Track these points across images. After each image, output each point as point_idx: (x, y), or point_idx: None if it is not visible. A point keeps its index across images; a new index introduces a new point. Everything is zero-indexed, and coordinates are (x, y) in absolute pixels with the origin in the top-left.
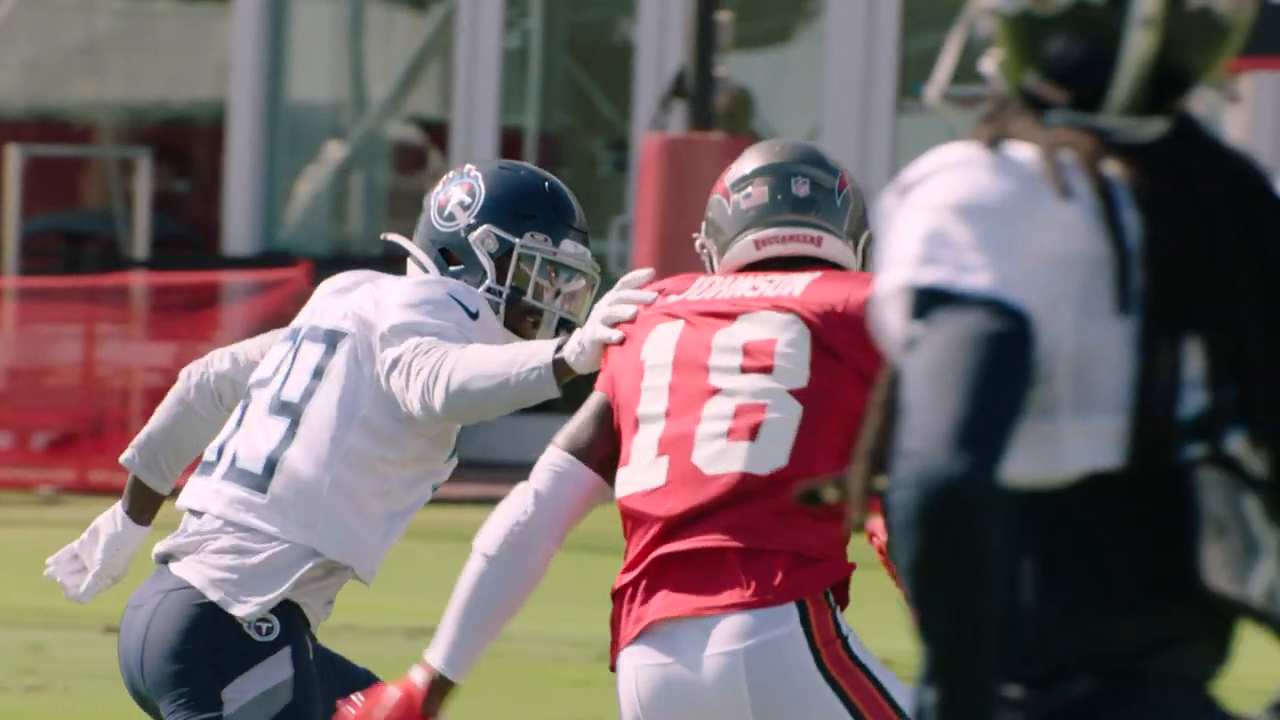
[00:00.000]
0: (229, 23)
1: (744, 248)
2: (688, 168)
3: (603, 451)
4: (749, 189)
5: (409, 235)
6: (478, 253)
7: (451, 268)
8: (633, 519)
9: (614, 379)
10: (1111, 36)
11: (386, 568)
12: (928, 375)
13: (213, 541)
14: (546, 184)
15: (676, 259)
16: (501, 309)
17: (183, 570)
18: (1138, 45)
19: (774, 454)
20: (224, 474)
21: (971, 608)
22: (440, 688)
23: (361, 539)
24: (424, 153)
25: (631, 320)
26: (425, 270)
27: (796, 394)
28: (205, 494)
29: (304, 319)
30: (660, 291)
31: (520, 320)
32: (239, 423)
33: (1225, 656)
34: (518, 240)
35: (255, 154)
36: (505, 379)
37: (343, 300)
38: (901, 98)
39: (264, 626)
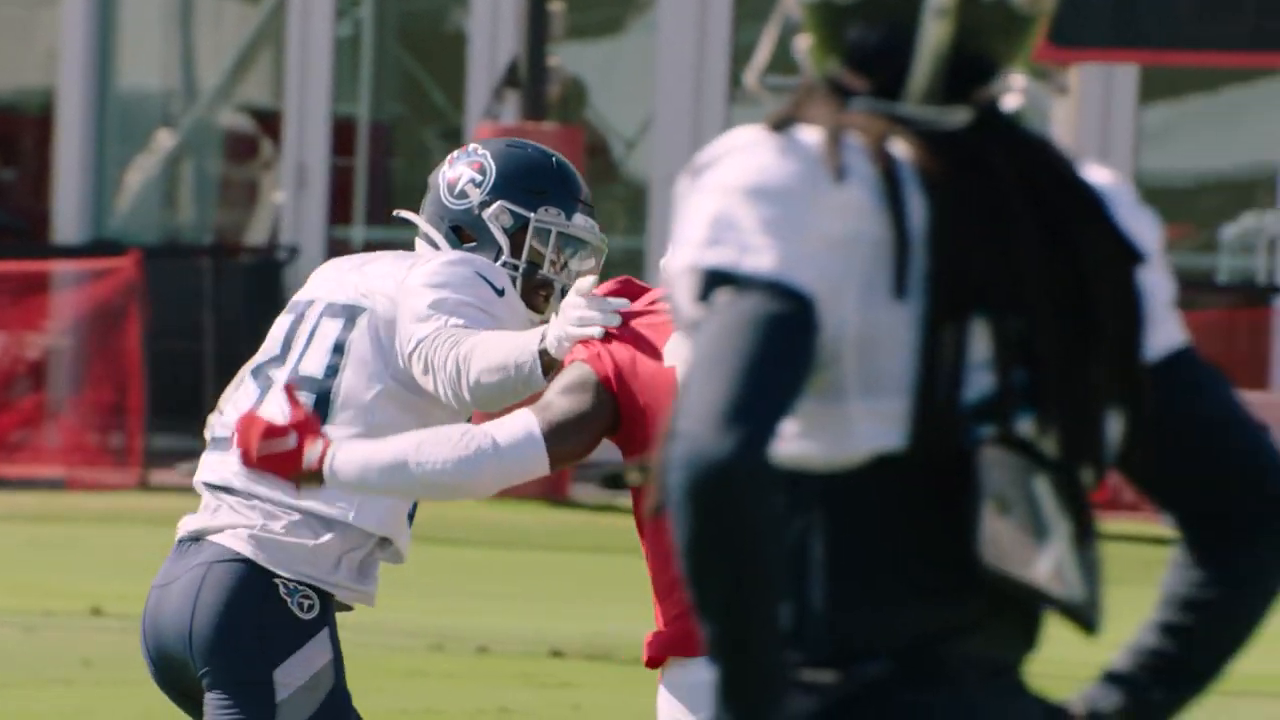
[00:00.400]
0: (57, 9)
1: None
2: None
3: (573, 455)
4: None
5: (240, 225)
6: (492, 228)
7: (464, 245)
8: None
9: (626, 382)
10: (908, 25)
11: None
12: (704, 356)
13: (249, 514)
14: (554, 160)
15: None
16: (519, 283)
17: (224, 539)
18: (933, 34)
19: None
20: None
21: (743, 586)
22: (317, 476)
23: (394, 511)
24: (255, 141)
25: (610, 326)
26: (437, 248)
27: None
28: (226, 470)
29: (312, 294)
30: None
31: (534, 294)
32: (259, 399)
33: (1031, 641)
34: (532, 215)
35: (84, 142)
36: (508, 371)
37: (362, 275)
38: (734, 87)
39: (306, 603)
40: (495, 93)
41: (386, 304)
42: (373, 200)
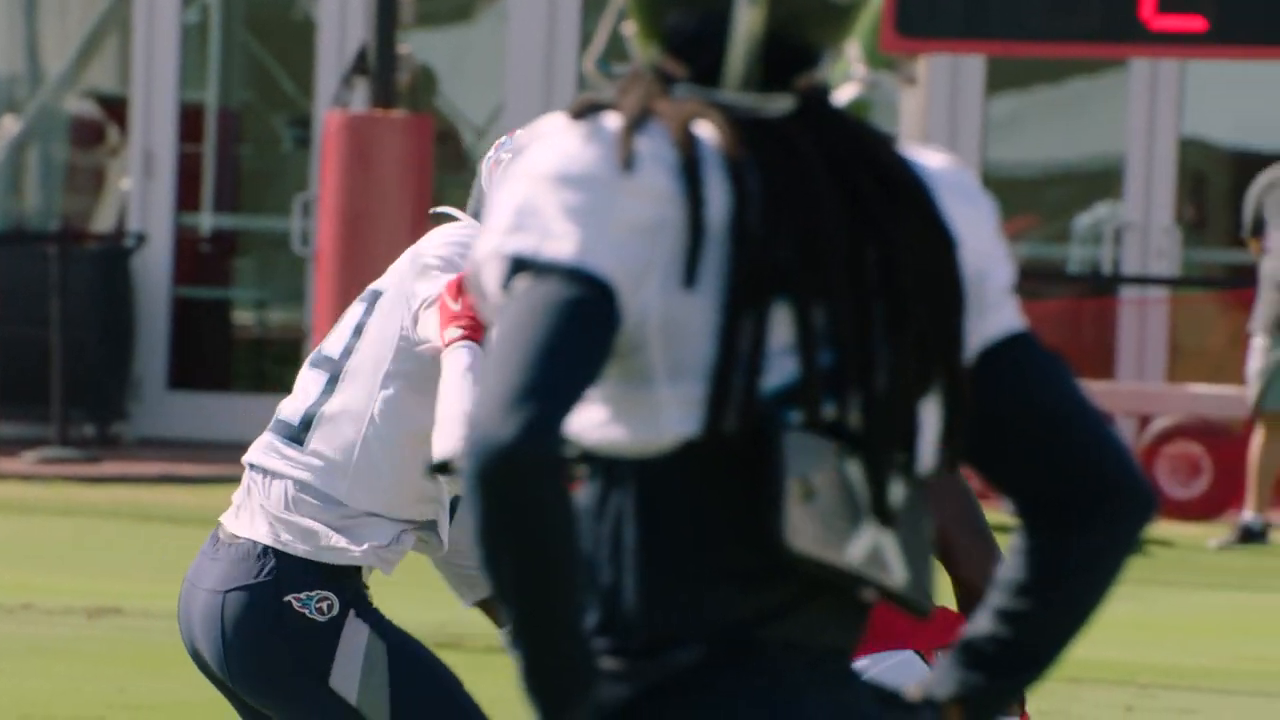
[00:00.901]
0: None
1: None
2: (370, 145)
3: None
4: None
5: (87, 212)
6: None
7: None
8: None
9: None
10: (722, 11)
11: (64, 548)
12: (499, 343)
13: (275, 492)
14: None
15: (359, 235)
16: None
17: (244, 529)
18: (745, 20)
19: None
20: (271, 427)
21: (536, 571)
22: None
23: (399, 491)
24: (102, 128)
25: None
26: None
27: None
28: (257, 449)
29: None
30: None
31: None
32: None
33: (857, 627)
34: None
35: None
36: None
37: (399, 259)
38: (589, 76)
39: (323, 605)
40: (344, 80)
41: (398, 279)
42: (221, 187)
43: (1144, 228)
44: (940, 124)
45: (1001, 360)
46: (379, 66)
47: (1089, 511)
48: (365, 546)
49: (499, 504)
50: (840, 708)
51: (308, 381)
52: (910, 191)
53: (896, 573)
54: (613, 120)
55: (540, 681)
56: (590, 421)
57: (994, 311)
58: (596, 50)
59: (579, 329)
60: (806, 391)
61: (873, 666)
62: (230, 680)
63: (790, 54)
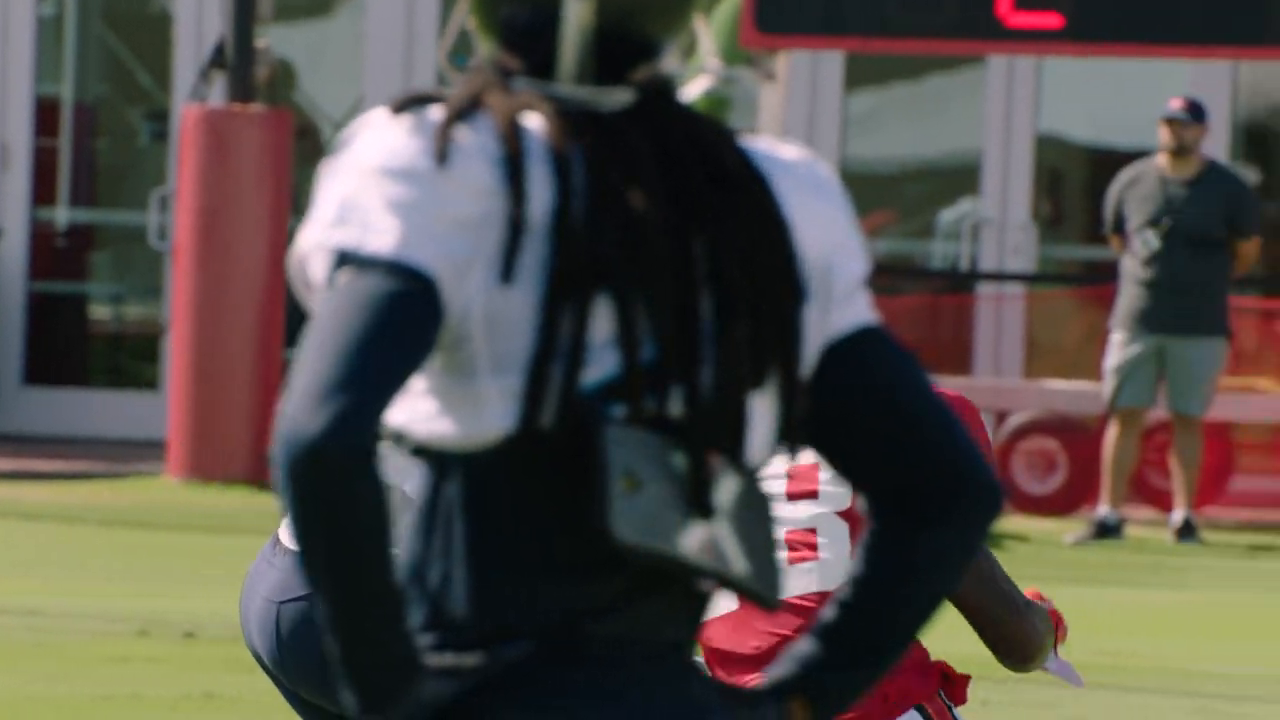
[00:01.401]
0: None
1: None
2: (228, 139)
3: None
4: None
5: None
6: None
7: None
8: (717, 657)
9: None
10: (554, 4)
11: None
12: (314, 335)
13: None
14: None
15: (216, 230)
16: None
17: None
18: (575, 13)
19: (838, 570)
20: None
21: (347, 564)
22: None
23: None
24: None
25: None
26: None
27: (842, 515)
28: None
29: None
30: None
31: None
32: None
33: (692, 619)
34: None
35: None
36: None
37: None
38: (444, 70)
39: None
40: (202, 74)
41: None
42: (77, 181)
43: (1001, 224)
44: (799, 120)
45: (850, 354)
46: (236, 60)
47: (936, 507)
48: None
49: (309, 498)
50: (675, 701)
51: None
52: (746, 185)
53: (736, 564)
54: (438, 113)
55: (359, 676)
56: (418, 415)
57: (843, 306)
58: (449, 44)
59: (397, 322)
60: (628, 385)
61: None
62: (290, 683)
63: (625, 47)
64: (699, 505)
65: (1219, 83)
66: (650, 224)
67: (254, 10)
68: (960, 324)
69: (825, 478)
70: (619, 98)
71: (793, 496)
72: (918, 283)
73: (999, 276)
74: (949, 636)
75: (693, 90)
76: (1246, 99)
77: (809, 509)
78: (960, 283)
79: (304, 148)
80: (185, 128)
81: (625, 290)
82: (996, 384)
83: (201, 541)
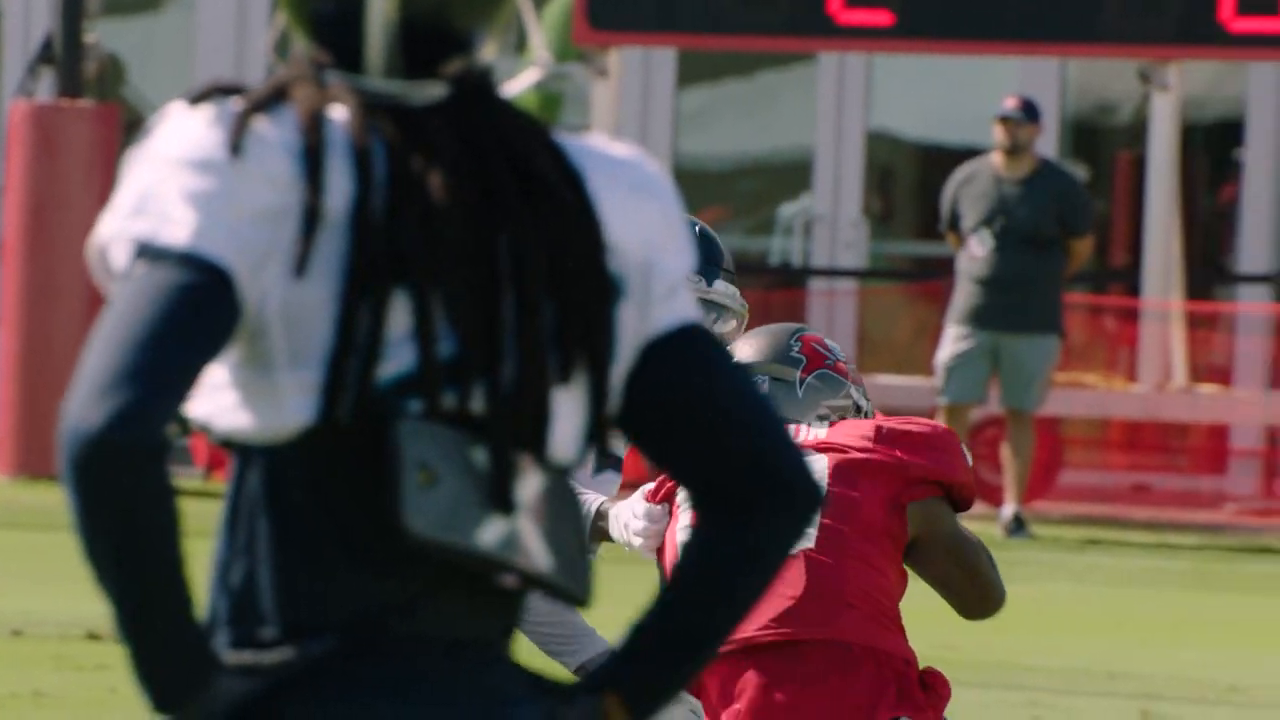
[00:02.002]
0: None
1: None
2: (56, 135)
3: None
4: None
5: None
6: None
7: None
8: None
9: None
10: None
11: None
12: (104, 326)
13: None
14: (697, 228)
15: (44, 226)
16: None
17: None
18: (379, 6)
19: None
20: None
21: (131, 561)
22: None
23: None
24: None
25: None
26: None
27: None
28: None
29: None
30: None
31: None
32: None
33: (499, 614)
34: None
35: None
36: None
37: None
38: (276, 65)
39: None
40: (30, 70)
41: None
42: None
43: (833, 220)
44: (632, 116)
45: (668, 352)
46: (65, 55)
47: (752, 504)
48: None
49: (89, 493)
50: (478, 696)
51: None
52: (556, 181)
53: (539, 559)
54: (239, 105)
55: (150, 674)
56: (221, 407)
57: (663, 303)
58: (274, 37)
59: (188, 315)
60: (425, 380)
61: None
62: None
63: (434, 40)
64: (500, 501)
65: (1048, 80)
66: (450, 219)
67: (82, 5)
68: (793, 319)
69: None
70: (431, 92)
71: None
72: (750, 279)
73: (831, 272)
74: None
75: (519, 84)
76: (1075, 96)
77: None
78: (793, 278)
79: (133, 143)
80: (13, 123)
81: (423, 285)
82: None
83: (30, 539)
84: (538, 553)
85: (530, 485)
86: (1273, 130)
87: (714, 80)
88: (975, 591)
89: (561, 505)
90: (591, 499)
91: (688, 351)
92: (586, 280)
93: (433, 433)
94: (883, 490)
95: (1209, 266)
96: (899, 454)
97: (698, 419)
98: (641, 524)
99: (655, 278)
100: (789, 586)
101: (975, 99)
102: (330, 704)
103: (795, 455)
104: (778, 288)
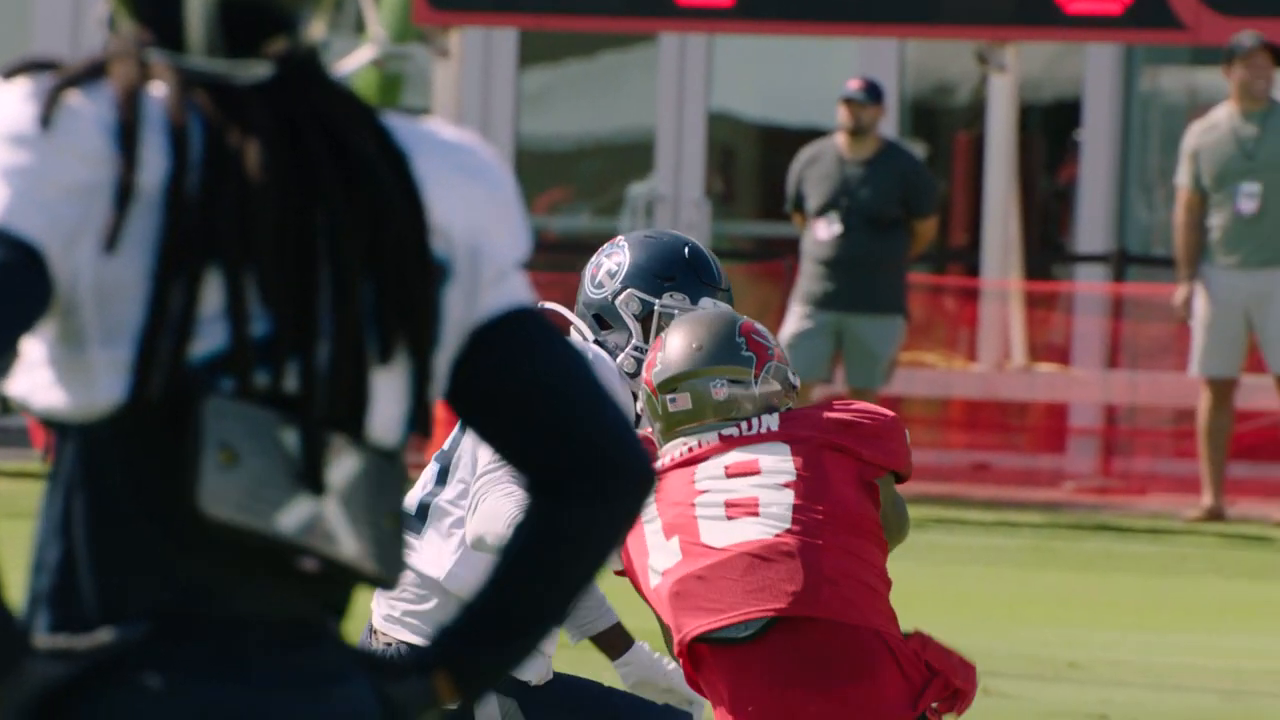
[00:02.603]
0: None
1: (671, 447)
2: None
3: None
4: (673, 395)
5: None
6: (623, 314)
7: (603, 331)
8: None
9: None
10: None
11: None
12: None
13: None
14: (687, 248)
15: None
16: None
17: (376, 620)
18: None
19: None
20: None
21: None
22: None
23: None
24: None
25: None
26: (583, 336)
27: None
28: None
29: None
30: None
31: None
32: None
33: (315, 595)
34: (657, 301)
35: None
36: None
37: None
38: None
39: None
40: None
41: None
42: None
43: (675, 201)
44: (473, 97)
45: (499, 336)
46: None
47: (583, 486)
48: None
49: None
50: (300, 676)
51: (425, 473)
52: (379, 163)
53: (345, 544)
54: (53, 80)
55: None
56: (37, 384)
57: (492, 287)
58: (101, 15)
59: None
60: (236, 358)
61: None
62: None
63: (256, 19)
64: (310, 482)
65: (886, 61)
66: (265, 197)
67: None
68: None
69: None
70: (254, 71)
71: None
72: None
73: None
74: None
75: (352, 64)
76: (914, 78)
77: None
78: None
79: None
80: None
81: (235, 263)
82: None
83: None
84: (343, 536)
85: (345, 467)
86: (1109, 111)
87: (555, 61)
88: (899, 536)
89: (380, 488)
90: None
91: (517, 335)
92: (407, 261)
93: (240, 412)
94: (849, 474)
95: (1047, 247)
96: (853, 445)
97: (526, 403)
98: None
99: (484, 262)
100: (784, 579)
101: (815, 80)
102: (145, 688)
103: (626, 437)
104: None
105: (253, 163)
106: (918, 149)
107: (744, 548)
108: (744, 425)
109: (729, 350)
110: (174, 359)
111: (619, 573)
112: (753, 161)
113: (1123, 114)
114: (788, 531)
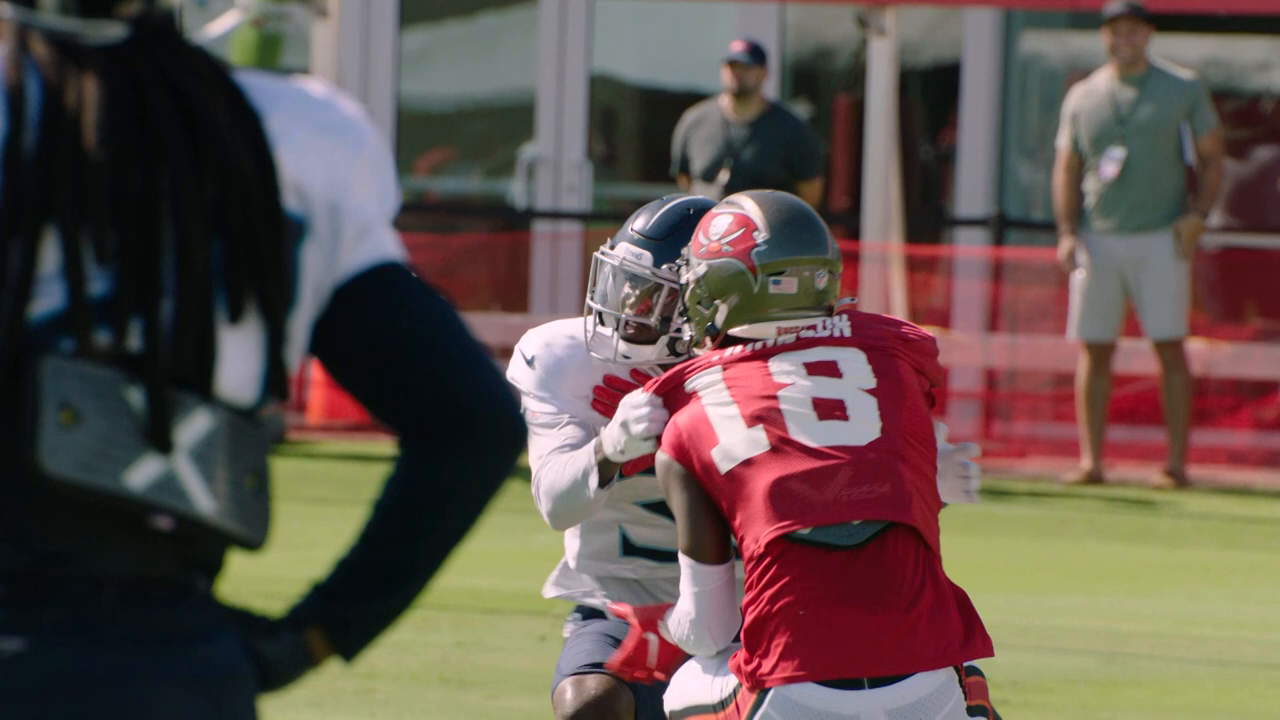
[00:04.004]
0: None
1: (765, 329)
2: None
3: (717, 544)
4: (779, 277)
5: None
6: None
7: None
8: None
9: (693, 449)
10: None
11: None
12: None
13: None
14: (690, 210)
15: None
16: (591, 322)
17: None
18: None
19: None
20: None
21: None
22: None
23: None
24: None
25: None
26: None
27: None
28: None
29: None
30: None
31: (635, 330)
32: None
33: (171, 554)
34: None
35: None
36: (574, 496)
37: None
38: None
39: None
40: None
41: None
42: None
43: (556, 163)
44: (352, 57)
45: (364, 292)
46: None
47: (450, 439)
48: None
49: None
50: (160, 634)
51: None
52: (229, 121)
53: (200, 502)
54: None
55: None
56: None
57: (356, 244)
58: None
59: None
60: (74, 318)
61: (918, 688)
62: None
63: None
64: (158, 441)
65: (767, 24)
66: (103, 157)
67: None
68: (518, 262)
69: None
70: (108, 31)
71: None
72: (475, 221)
73: (555, 215)
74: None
75: (220, 26)
76: (794, 40)
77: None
78: (517, 221)
79: None
80: None
81: (71, 223)
82: (552, 321)
83: None
84: (198, 494)
85: (197, 425)
86: (989, 75)
87: (435, 21)
88: None
89: (238, 446)
90: (585, 454)
91: (382, 291)
92: (255, 219)
93: (80, 371)
94: (917, 386)
95: (928, 210)
96: (915, 358)
97: (393, 358)
98: (644, 410)
99: (345, 219)
100: (884, 490)
101: (696, 42)
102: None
103: (496, 389)
104: (502, 230)
105: (89, 123)
106: (800, 112)
107: (842, 453)
108: (820, 325)
109: (830, 241)
110: (13, 319)
111: (629, 471)
112: (634, 124)
113: (1002, 78)
114: (878, 441)
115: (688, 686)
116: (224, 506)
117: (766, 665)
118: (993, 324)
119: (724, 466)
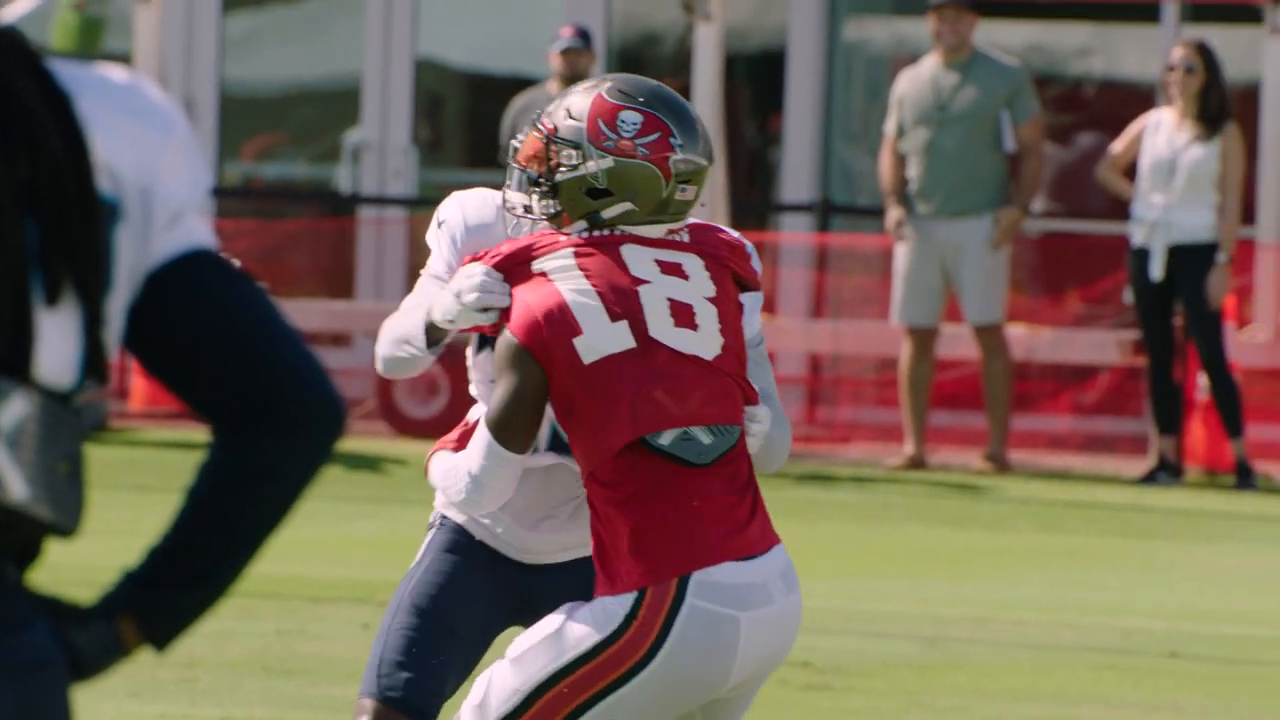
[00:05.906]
0: None
1: (656, 230)
2: None
3: (526, 431)
4: (686, 186)
5: None
6: None
7: None
8: None
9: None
10: None
11: None
12: None
13: None
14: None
15: None
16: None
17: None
18: None
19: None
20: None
21: None
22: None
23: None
24: None
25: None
26: None
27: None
28: None
29: None
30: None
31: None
32: None
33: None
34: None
35: None
36: (403, 347)
37: None
38: None
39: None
40: None
41: None
42: None
43: (381, 148)
44: (176, 42)
45: (175, 278)
46: None
47: (265, 424)
48: None
49: None
50: None
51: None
52: (38, 104)
53: (14, 488)
54: None
55: None
56: None
57: (167, 230)
58: None
59: None
60: None
61: (781, 554)
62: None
63: None
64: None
65: (593, 9)
66: None
67: None
68: (341, 248)
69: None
70: None
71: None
72: (300, 207)
73: (380, 200)
74: (376, 564)
75: (19, 7)
76: (620, 25)
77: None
78: (342, 206)
79: None
80: None
81: None
82: (377, 307)
83: None
84: (12, 480)
85: (12, 410)
86: (814, 60)
87: (260, 6)
88: None
89: (52, 432)
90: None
91: (194, 278)
92: (68, 201)
93: None
94: (736, 297)
95: (753, 196)
96: (736, 266)
97: (205, 346)
98: (478, 280)
99: (156, 204)
100: (732, 408)
101: (522, 28)
102: None
103: (312, 374)
104: (328, 216)
105: None
106: None
107: (696, 366)
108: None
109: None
110: None
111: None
112: (460, 109)
113: (827, 64)
114: (721, 359)
115: (549, 649)
116: (38, 493)
117: (673, 561)
118: (817, 310)
119: (588, 358)
